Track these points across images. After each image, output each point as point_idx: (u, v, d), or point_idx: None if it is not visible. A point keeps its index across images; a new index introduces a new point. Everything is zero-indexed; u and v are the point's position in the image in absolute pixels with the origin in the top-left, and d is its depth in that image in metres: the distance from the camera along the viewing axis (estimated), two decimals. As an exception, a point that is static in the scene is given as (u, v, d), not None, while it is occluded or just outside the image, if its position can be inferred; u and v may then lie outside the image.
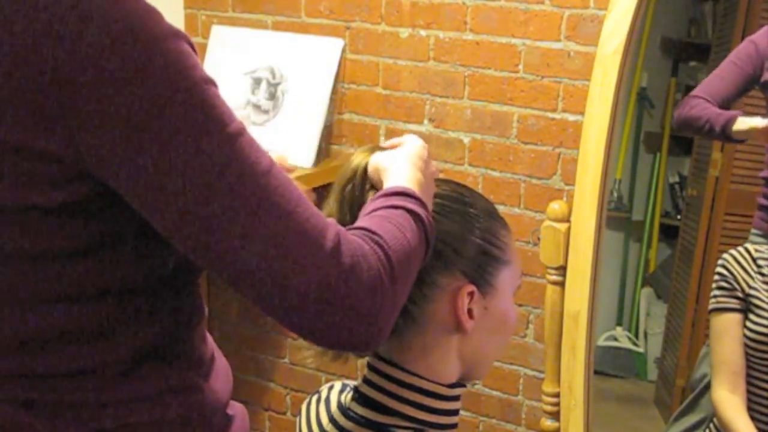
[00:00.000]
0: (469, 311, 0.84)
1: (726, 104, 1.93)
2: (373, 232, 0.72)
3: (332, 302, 0.66)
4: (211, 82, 0.67)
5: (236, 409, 0.86)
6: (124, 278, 0.72)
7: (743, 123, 1.85)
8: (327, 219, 0.70)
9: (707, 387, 1.78)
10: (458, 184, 0.92)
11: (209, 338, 0.86)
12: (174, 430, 0.76)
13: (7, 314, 0.70)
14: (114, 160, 0.63)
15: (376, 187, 0.86)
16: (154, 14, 0.65)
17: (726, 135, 1.87)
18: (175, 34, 0.66)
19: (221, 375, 0.85)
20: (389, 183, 0.80)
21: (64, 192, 0.65)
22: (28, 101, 0.62)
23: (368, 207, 0.77)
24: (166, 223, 0.65)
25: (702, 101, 1.92)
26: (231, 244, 0.64)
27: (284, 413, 2.34)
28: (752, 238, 1.95)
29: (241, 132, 0.67)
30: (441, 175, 2.03)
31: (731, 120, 1.85)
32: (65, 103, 0.61)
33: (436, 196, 0.87)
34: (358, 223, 0.74)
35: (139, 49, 0.62)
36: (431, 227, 0.78)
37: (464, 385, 0.89)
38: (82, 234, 0.68)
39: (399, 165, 0.82)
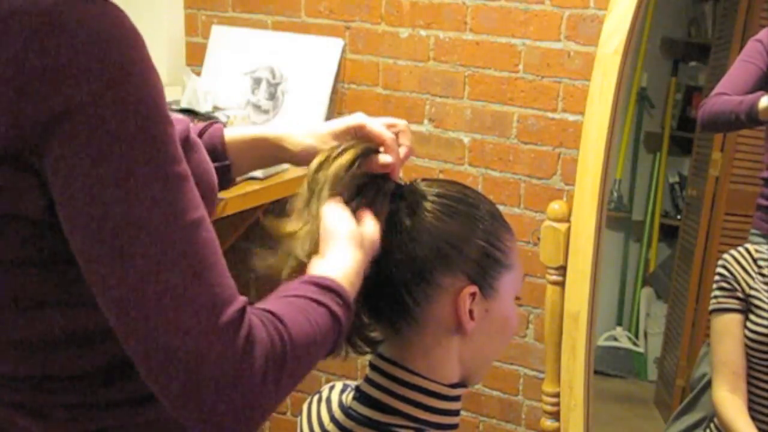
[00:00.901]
0: (470, 312, 0.84)
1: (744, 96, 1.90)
2: (283, 324, 0.67)
3: (208, 375, 0.61)
4: (169, 123, 0.65)
5: None
6: None
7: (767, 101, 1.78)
8: (238, 296, 0.65)
9: (707, 386, 1.77)
10: (463, 185, 0.91)
11: None
12: (168, 431, 0.76)
13: (6, 319, 0.70)
14: (57, 175, 0.62)
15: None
16: (130, 41, 0.64)
17: (753, 118, 1.80)
18: (147, 64, 0.64)
19: None
20: (324, 265, 0.77)
21: (45, 201, 0.65)
22: (5, 111, 0.61)
23: (293, 287, 0.73)
24: (77, 246, 0.63)
25: (721, 96, 1.90)
26: (128, 279, 0.61)
27: (284, 413, 2.34)
28: (752, 238, 1.95)
29: (184, 177, 0.65)
30: (441, 176, 2.03)
31: (755, 102, 1.78)
32: (38, 116, 0.61)
33: (440, 196, 0.87)
34: (269, 304, 0.70)
35: (110, 71, 0.61)
36: (344, 330, 0.75)
37: (465, 385, 0.89)
38: (65, 243, 0.67)
39: (334, 245, 0.79)
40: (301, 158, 0.95)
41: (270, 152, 0.98)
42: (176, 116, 0.74)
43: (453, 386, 0.87)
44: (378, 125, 0.90)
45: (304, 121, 2.04)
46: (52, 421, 0.72)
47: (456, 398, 0.88)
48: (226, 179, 0.96)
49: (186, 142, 0.76)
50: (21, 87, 0.60)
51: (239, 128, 1.05)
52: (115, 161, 0.61)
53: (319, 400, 0.94)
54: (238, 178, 1.03)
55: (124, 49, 0.62)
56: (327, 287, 0.73)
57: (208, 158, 0.84)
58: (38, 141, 0.61)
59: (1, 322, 0.70)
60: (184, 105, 1.98)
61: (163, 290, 0.61)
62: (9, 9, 0.61)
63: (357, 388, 0.89)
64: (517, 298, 0.90)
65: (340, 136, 0.92)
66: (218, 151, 0.96)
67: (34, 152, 0.62)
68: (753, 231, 1.97)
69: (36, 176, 0.63)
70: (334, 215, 0.81)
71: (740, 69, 1.93)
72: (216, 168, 0.88)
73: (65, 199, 0.62)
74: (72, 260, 0.67)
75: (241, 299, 0.65)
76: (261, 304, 0.69)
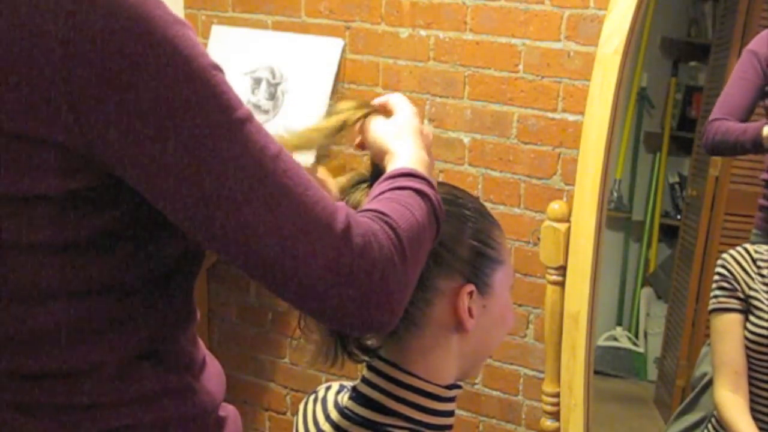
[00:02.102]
0: (469, 310, 0.85)
1: (746, 117, 1.93)
2: (383, 213, 0.72)
3: (345, 283, 0.66)
4: (218, 68, 0.67)
5: (228, 410, 0.86)
6: (123, 276, 0.72)
7: None
8: (337, 203, 0.70)
9: (707, 386, 1.78)
10: (449, 185, 0.92)
11: (200, 342, 0.85)
12: (169, 430, 0.76)
13: (2, 310, 0.70)
14: (123, 147, 0.63)
15: (374, 159, 0.86)
16: (159, 3, 0.65)
17: (758, 147, 1.85)
18: (181, 21, 0.66)
19: (214, 377, 0.84)
20: (395, 164, 0.81)
21: (68, 181, 0.65)
22: (31, 88, 0.61)
23: (375, 190, 0.77)
24: (176, 208, 0.65)
25: (722, 122, 1.92)
26: (243, 228, 0.65)
27: (284, 413, 2.34)
28: (753, 238, 1.95)
29: (249, 118, 0.67)
30: (441, 176, 2.02)
31: (759, 131, 1.83)
32: (72, 91, 0.61)
33: None
34: (367, 205, 0.75)
35: (146, 36, 0.62)
36: (440, 205, 0.78)
37: (460, 387, 0.90)
38: (83, 227, 0.67)
39: (403, 144, 0.82)
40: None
41: None
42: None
43: (449, 387, 0.88)
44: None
45: (304, 122, 2.04)
46: (53, 422, 0.72)
47: (451, 399, 0.88)
48: None
49: None
50: (58, 63, 0.60)
51: None
52: (186, 123, 0.63)
53: (315, 400, 0.94)
54: None
55: (161, 10, 0.64)
56: (400, 174, 0.78)
57: None
58: (77, 118, 0.62)
59: (8, 314, 0.70)
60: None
61: (280, 221, 0.65)
62: None
63: (353, 389, 0.89)
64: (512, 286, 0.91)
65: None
66: None
67: (76, 130, 0.62)
68: (755, 231, 1.97)
69: (63, 153, 0.63)
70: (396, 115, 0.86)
71: (736, 87, 1.95)
72: None
73: (144, 171, 0.64)
74: (77, 248, 0.67)
75: (341, 204, 0.70)
76: (361, 209, 0.74)
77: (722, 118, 1.93)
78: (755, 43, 1.94)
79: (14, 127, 0.62)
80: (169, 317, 0.77)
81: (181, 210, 0.65)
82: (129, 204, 0.68)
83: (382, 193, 0.76)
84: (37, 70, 0.61)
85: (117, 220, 0.69)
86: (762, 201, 1.96)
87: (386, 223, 0.71)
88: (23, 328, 0.70)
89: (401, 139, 0.83)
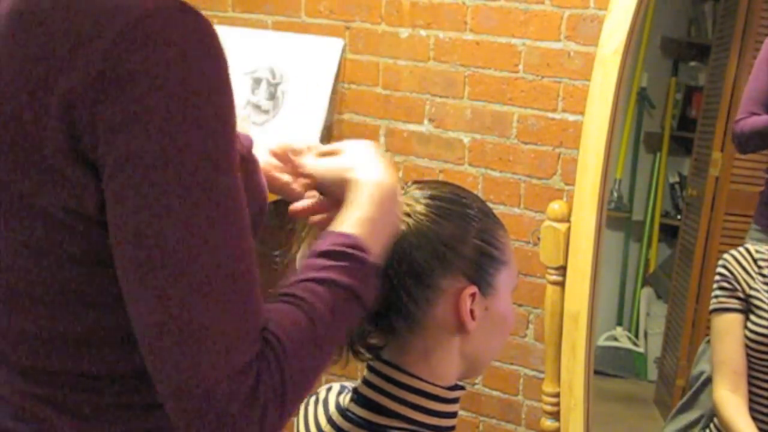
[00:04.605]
0: (471, 312, 0.84)
1: None
2: (284, 351, 0.64)
3: (213, 411, 0.61)
4: (234, 149, 0.64)
5: None
6: None
7: None
8: (258, 335, 0.64)
9: (705, 384, 1.78)
10: (453, 185, 0.91)
11: None
12: None
13: (48, 313, 0.70)
14: (111, 179, 0.62)
15: (325, 192, 0.82)
16: (214, 60, 0.64)
17: None
18: (225, 83, 0.64)
19: None
20: (346, 224, 0.74)
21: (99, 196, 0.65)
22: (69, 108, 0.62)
23: (310, 266, 0.70)
24: (116, 251, 0.63)
25: (747, 119, 1.91)
26: (162, 303, 0.61)
27: (284, 413, 2.34)
28: (752, 233, 1.95)
29: (238, 208, 0.64)
30: (441, 176, 2.03)
31: None
32: (95, 118, 0.61)
33: (433, 198, 0.87)
34: (278, 308, 0.67)
35: (185, 88, 0.61)
36: (368, 304, 0.72)
37: (463, 388, 0.89)
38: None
39: (363, 201, 0.75)
40: None
41: None
42: (243, 134, 0.74)
43: (451, 389, 0.87)
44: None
45: (304, 121, 2.04)
46: (89, 423, 0.72)
47: (454, 400, 0.88)
48: None
49: (248, 161, 0.76)
50: (95, 84, 0.60)
51: None
52: (171, 176, 0.60)
53: (316, 402, 0.94)
54: None
55: (206, 69, 0.63)
56: (341, 253, 0.70)
57: (263, 178, 0.83)
58: (100, 140, 0.61)
59: (47, 316, 0.70)
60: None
61: (192, 321, 0.60)
62: (103, 7, 0.61)
63: (354, 390, 0.89)
64: (516, 287, 0.91)
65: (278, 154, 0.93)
66: None
67: (92, 150, 0.62)
68: (753, 226, 1.97)
69: (93, 173, 0.63)
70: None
71: (761, 81, 1.94)
72: None
73: (115, 203, 0.62)
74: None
75: (257, 345, 0.63)
76: (268, 309, 0.67)
77: (748, 114, 1.92)
78: None
79: (52, 149, 0.63)
80: None
81: (118, 253, 0.63)
82: None
83: (314, 280, 0.69)
84: (79, 89, 0.61)
85: None
86: (764, 191, 1.96)
87: (279, 369, 0.63)
88: (57, 330, 0.70)
89: (354, 170, 0.77)
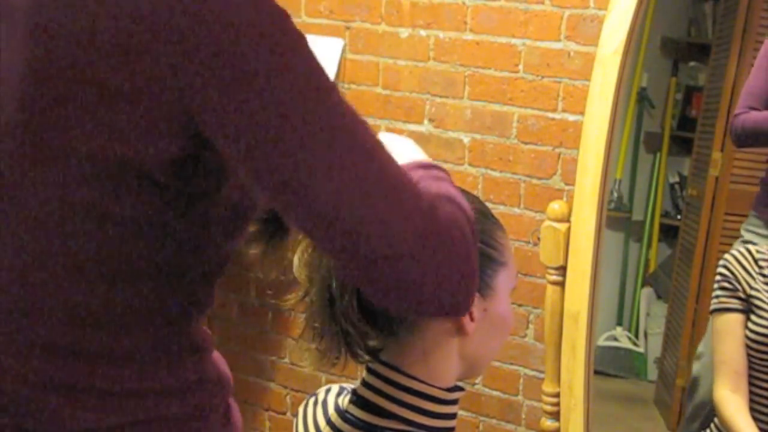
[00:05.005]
0: (470, 313, 0.84)
1: None
2: (450, 198, 0.71)
3: (431, 256, 0.65)
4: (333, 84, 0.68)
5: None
6: (180, 262, 0.72)
7: None
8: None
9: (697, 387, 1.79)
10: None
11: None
12: (200, 420, 0.76)
13: (61, 287, 0.69)
14: (222, 107, 0.63)
15: None
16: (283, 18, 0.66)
17: None
18: (299, 35, 0.67)
19: (223, 363, 0.85)
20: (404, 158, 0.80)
21: (157, 145, 0.65)
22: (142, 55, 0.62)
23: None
24: (273, 171, 0.65)
25: (747, 114, 1.91)
26: (342, 195, 0.64)
27: (284, 413, 2.34)
28: (750, 219, 1.95)
29: (339, 95, 0.68)
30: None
31: None
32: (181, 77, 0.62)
33: None
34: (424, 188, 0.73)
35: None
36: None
37: (463, 389, 0.89)
38: (159, 201, 0.68)
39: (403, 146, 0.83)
40: None
41: None
42: None
43: (451, 390, 0.87)
44: None
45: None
46: (96, 407, 0.72)
47: (454, 402, 0.88)
48: None
49: None
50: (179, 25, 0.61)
51: None
52: (288, 88, 0.63)
53: (315, 403, 0.94)
54: None
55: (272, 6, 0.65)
56: (429, 166, 0.78)
57: None
58: (189, 83, 0.62)
59: (61, 291, 0.70)
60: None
61: (372, 191, 0.64)
62: None
63: (353, 392, 0.89)
64: (514, 288, 0.91)
65: None
66: None
67: (182, 98, 0.63)
68: (752, 213, 1.97)
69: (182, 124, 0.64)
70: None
71: (758, 78, 1.93)
72: None
73: (239, 137, 0.63)
74: (147, 224, 0.68)
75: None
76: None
77: (747, 109, 1.92)
78: None
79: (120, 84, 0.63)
80: (206, 305, 0.79)
81: (277, 171, 0.65)
82: (209, 187, 0.70)
83: (425, 180, 0.75)
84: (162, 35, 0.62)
85: (190, 202, 0.70)
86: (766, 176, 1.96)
87: (459, 207, 0.71)
88: (80, 306, 0.70)
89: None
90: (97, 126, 0.64)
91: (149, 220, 0.68)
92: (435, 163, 0.79)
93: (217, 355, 0.83)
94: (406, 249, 0.64)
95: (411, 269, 0.65)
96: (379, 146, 0.67)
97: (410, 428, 0.84)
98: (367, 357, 0.88)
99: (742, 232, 1.95)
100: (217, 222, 0.74)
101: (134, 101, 0.63)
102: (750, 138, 1.94)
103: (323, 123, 0.64)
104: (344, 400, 0.90)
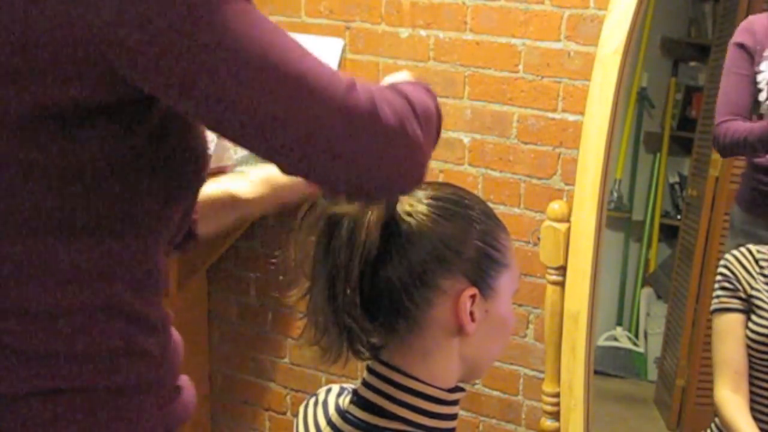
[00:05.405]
0: (471, 314, 0.84)
1: (749, 113, 1.92)
2: (394, 88, 0.75)
3: (367, 129, 0.69)
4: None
5: (183, 380, 0.85)
6: (110, 219, 0.71)
7: None
8: (344, 77, 0.72)
9: None
10: (456, 186, 0.91)
11: (169, 314, 0.84)
12: (126, 397, 0.74)
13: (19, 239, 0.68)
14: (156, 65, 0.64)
15: None
16: None
17: (767, 145, 1.85)
18: None
19: (174, 347, 0.83)
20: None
21: (90, 93, 0.66)
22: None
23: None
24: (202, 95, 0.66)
25: (729, 123, 1.91)
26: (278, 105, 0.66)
27: (284, 413, 2.34)
28: (735, 212, 1.95)
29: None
30: (441, 176, 2.01)
31: (765, 130, 1.82)
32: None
33: (436, 198, 0.87)
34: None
35: None
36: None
37: (464, 390, 0.89)
38: (89, 152, 0.68)
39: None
40: (256, 204, 1.04)
41: (224, 207, 1.03)
42: None
43: (451, 391, 0.87)
44: None
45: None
46: (13, 373, 0.69)
47: (454, 402, 0.88)
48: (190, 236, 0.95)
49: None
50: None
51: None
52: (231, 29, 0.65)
53: (315, 404, 0.94)
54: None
55: None
56: (403, 81, 0.81)
57: (204, 132, 0.85)
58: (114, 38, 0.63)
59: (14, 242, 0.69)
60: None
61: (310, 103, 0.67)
62: None
63: (354, 392, 0.89)
64: (517, 291, 0.91)
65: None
66: None
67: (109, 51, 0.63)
68: (736, 207, 1.97)
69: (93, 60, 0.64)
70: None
71: (732, 85, 1.93)
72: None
73: (179, 80, 0.64)
74: (82, 175, 0.68)
75: (348, 77, 0.72)
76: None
77: (728, 119, 1.91)
78: (739, 35, 1.93)
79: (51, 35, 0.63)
80: (141, 276, 0.76)
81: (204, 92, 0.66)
82: (138, 138, 0.70)
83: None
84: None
85: (126, 153, 0.70)
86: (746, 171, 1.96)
87: (398, 93, 0.74)
88: (8, 259, 0.68)
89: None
90: (12, 74, 0.64)
91: (74, 170, 0.68)
92: (426, 84, 0.83)
93: (176, 337, 0.82)
94: (322, 145, 0.68)
95: (328, 162, 0.69)
96: (289, 44, 0.69)
97: (411, 428, 0.84)
98: (368, 354, 0.88)
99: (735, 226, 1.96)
100: (150, 177, 0.73)
101: (47, 46, 0.63)
102: (731, 151, 1.96)
103: (231, 31, 0.65)
104: (345, 401, 0.90)
